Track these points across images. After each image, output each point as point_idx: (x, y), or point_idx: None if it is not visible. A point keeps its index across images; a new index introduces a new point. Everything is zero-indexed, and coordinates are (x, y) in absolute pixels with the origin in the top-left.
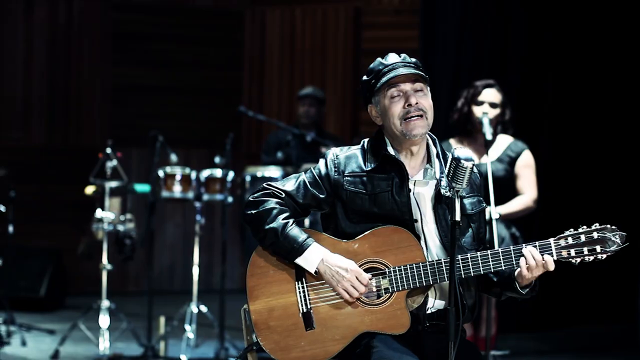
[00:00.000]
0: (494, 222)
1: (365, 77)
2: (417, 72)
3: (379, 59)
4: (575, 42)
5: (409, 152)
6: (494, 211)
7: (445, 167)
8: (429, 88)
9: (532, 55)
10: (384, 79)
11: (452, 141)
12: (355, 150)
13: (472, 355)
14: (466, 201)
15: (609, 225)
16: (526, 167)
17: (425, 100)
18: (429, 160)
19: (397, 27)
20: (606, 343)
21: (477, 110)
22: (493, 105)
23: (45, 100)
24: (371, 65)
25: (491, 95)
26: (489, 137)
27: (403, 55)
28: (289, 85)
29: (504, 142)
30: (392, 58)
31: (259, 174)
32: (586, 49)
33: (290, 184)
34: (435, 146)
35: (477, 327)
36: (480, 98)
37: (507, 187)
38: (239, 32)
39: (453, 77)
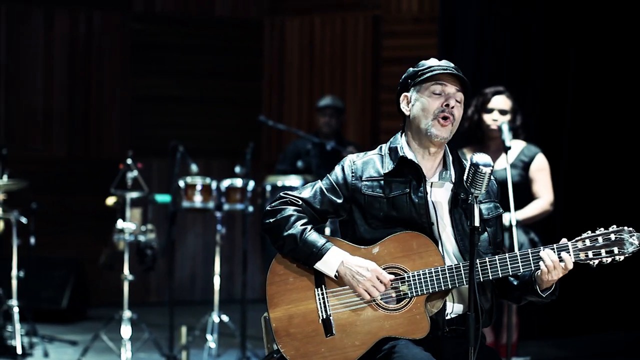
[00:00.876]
0: (514, 229)
1: (413, 68)
2: (466, 82)
3: (433, 58)
4: (596, 49)
5: (427, 152)
6: (513, 217)
7: (463, 174)
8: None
9: (552, 62)
10: (437, 71)
11: (465, 150)
12: (373, 155)
13: None
14: (482, 206)
15: (626, 227)
16: (540, 171)
17: (458, 111)
18: (444, 165)
19: (416, 35)
20: (627, 349)
21: (487, 118)
22: (503, 112)
23: (66, 112)
24: (423, 61)
25: (501, 102)
26: (508, 143)
27: (455, 65)
28: (309, 94)
29: (516, 148)
30: (445, 61)
31: (279, 183)
32: (606, 55)
33: (306, 192)
34: (452, 154)
35: (498, 334)
36: (490, 105)
37: (522, 192)
38: (258, 42)
39: (472, 85)
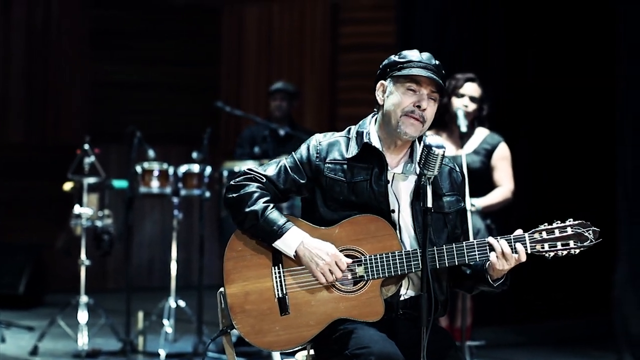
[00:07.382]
0: (469, 214)
1: (395, 57)
2: (442, 85)
3: (417, 50)
4: (555, 30)
5: (394, 144)
6: (468, 203)
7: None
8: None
9: (512, 52)
10: (414, 71)
11: (428, 133)
12: (339, 137)
13: (445, 342)
14: (445, 199)
15: (583, 221)
16: (502, 160)
17: (431, 111)
18: (410, 157)
19: (374, 22)
20: (582, 334)
21: (457, 102)
22: (473, 99)
23: (24, 98)
24: (407, 52)
25: (472, 89)
26: (463, 129)
27: (438, 61)
28: (267, 81)
29: (480, 135)
30: (427, 56)
31: (236, 169)
32: (565, 39)
33: (271, 169)
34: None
35: (453, 318)
36: (462, 91)
37: (482, 180)
38: (217, 29)
39: None
